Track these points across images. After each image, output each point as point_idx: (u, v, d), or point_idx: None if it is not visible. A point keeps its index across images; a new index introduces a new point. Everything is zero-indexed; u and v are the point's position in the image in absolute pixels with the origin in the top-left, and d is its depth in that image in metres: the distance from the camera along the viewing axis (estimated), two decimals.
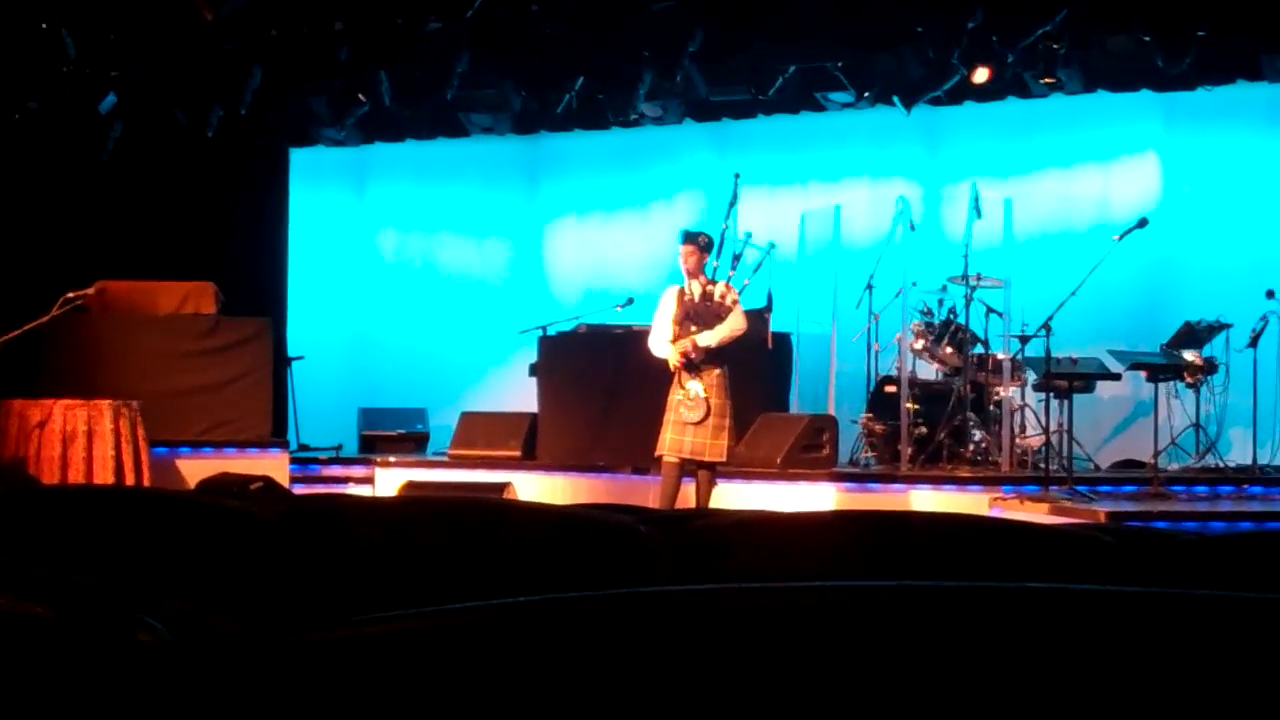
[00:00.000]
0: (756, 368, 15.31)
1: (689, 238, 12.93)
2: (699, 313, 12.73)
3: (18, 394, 14.43)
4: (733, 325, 12.68)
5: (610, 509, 5.87)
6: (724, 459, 12.82)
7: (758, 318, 14.07)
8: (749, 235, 13.52)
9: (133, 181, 18.15)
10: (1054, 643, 1.92)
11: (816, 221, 18.04)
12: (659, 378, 12.92)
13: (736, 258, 13.40)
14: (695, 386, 12.64)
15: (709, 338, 12.62)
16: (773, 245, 13.68)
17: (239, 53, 16.90)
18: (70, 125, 17.39)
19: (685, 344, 12.63)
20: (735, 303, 12.79)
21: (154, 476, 14.40)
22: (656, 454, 12.91)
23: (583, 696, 1.92)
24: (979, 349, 15.59)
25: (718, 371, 12.72)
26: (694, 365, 12.65)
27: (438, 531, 4.23)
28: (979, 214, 15.62)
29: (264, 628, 2.01)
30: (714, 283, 12.84)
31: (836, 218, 17.66)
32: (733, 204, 13.59)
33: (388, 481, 16.54)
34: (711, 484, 12.99)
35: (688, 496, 12.96)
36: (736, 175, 13.87)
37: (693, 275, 12.86)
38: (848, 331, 16.71)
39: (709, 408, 12.61)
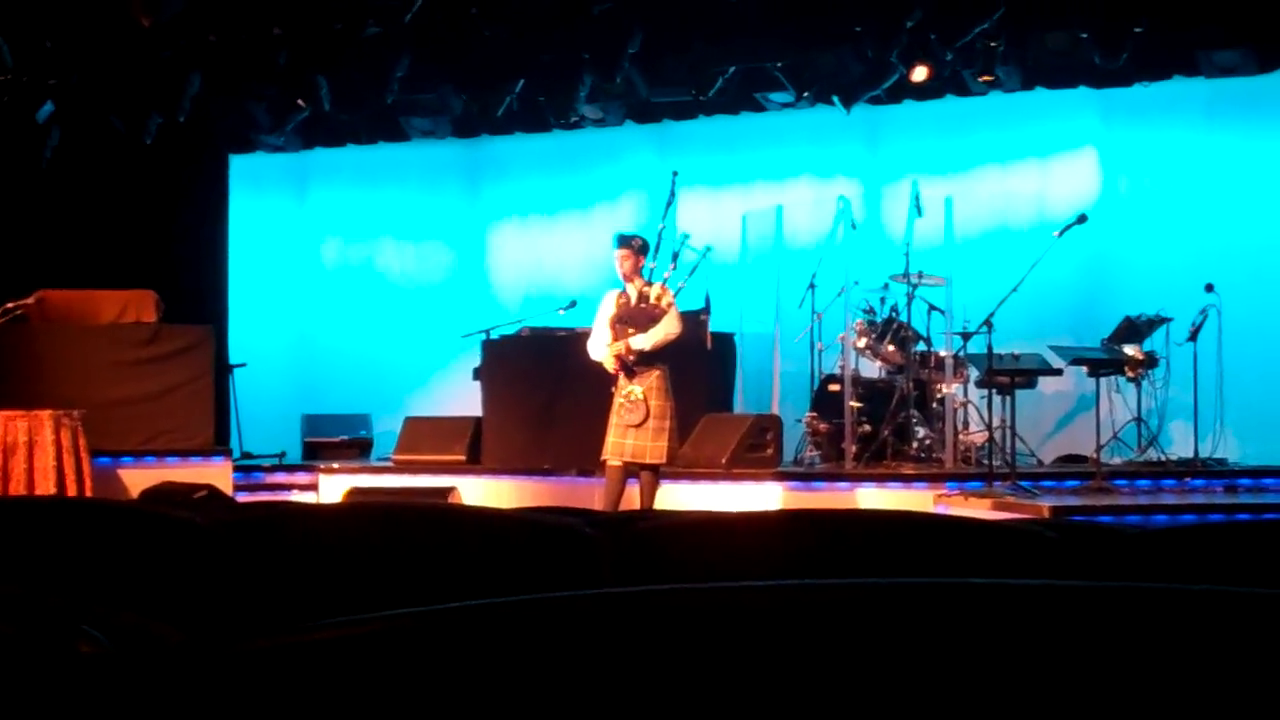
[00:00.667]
0: (699, 369, 15.34)
1: (623, 241, 12.95)
2: (632, 315, 12.74)
3: None
4: (667, 328, 12.67)
5: (556, 512, 5.87)
6: (664, 461, 12.82)
7: (695, 319, 14.04)
8: (686, 236, 13.49)
9: (71, 190, 18.06)
10: (999, 638, 1.93)
11: (758, 221, 18.06)
12: (603, 380, 12.93)
13: (675, 256, 13.39)
14: (634, 389, 12.66)
15: (643, 341, 12.63)
16: (709, 248, 13.66)
17: (177, 59, 16.83)
18: (7, 134, 17.29)
19: (619, 347, 12.65)
20: (670, 305, 12.78)
21: (96, 487, 14.31)
22: (602, 458, 12.93)
23: (529, 700, 1.91)
24: (921, 346, 15.66)
25: (657, 374, 12.71)
26: (630, 368, 12.67)
27: (383, 537, 4.22)
28: (920, 212, 15.68)
29: (209, 637, 2.00)
30: (651, 285, 12.85)
31: (778, 218, 17.69)
32: (670, 203, 13.58)
33: (332, 488, 16.49)
34: (655, 486, 13.00)
35: (632, 499, 12.96)
36: (675, 174, 13.87)
37: (629, 279, 12.87)
38: (791, 331, 16.75)
39: (648, 410, 12.63)
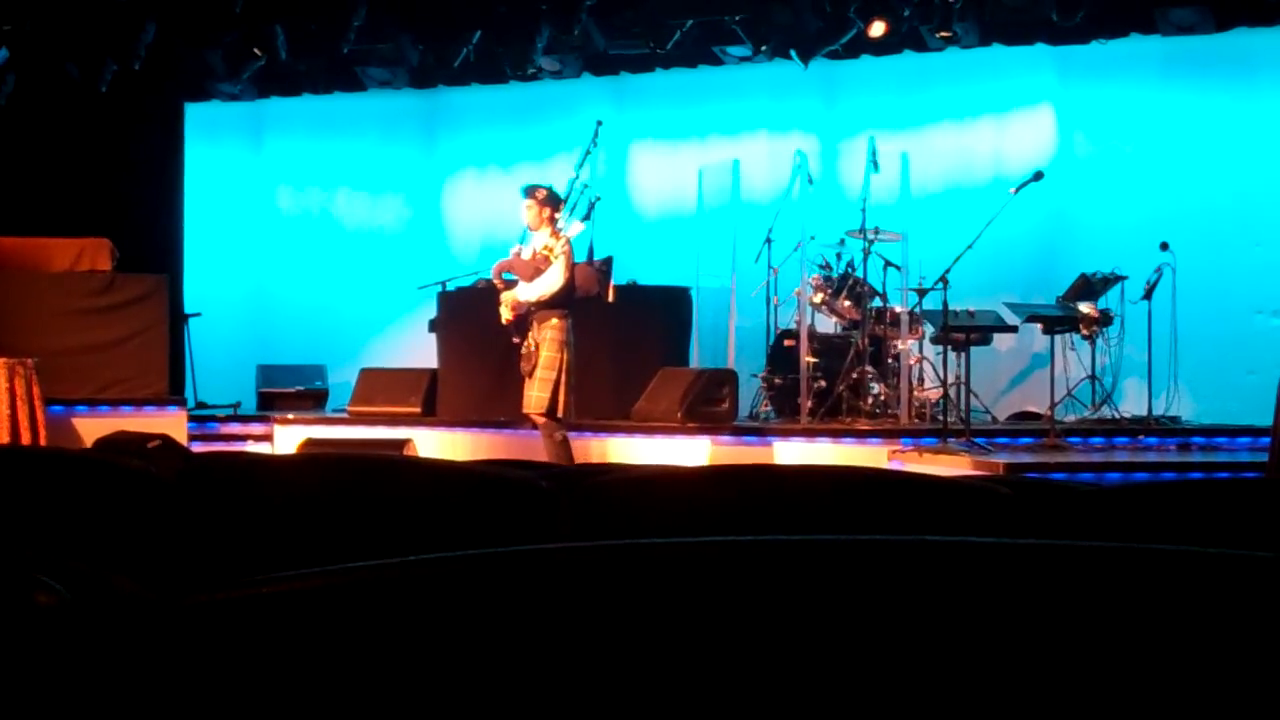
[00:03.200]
0: (654, 322, 15.43)
1: (528, 192, 12.96)
2: (515, 267, 12.80)
3: None
4: (548, 279, 12.67)
5: (511, 464, 5.87)
6: (543, 412, 12.74)
7: (589, 269, 13.75)
8: (584, 185, 13.39)
9: (26, 137, 17.96)
10: (953, 595, 1.94)
11: (715, 175, 18.03)
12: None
13: (576, 206, 13.37)
14: (530, 340, 12.70)
15: (525, 292, 12.66)
16: (598, 196, 13.52)
17: (133, 6, 16.74)
18: None
19: (508, 299, 12.70)
20: (561, 255, 12.75)
21: (50, 435, 14.28)
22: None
23: (485, 654, 1.92)
24: (877, 302, 15.68)
25: (550, 324, 12.69)
26: (525, 320, 12.68)
27: (338, 489, 4.21)
28: (876, 168, 15.69)
29: (164, 588, 2.00)
30: (558, 235, 12.86)
31: (735, 172, 17.66)
32: (588, 153, 13.46)
33: (287, 439, 16.46)
34: (551, 439, 12.98)
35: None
36: (599, 123, 13.74)
37: (535, 229, 12.88)
38: (747, 286, 16.73)
39: (536, 360, 12.65)
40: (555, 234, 12.81)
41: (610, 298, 13.16)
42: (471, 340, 16.29)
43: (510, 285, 12.88)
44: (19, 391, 14.02)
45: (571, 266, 12.82)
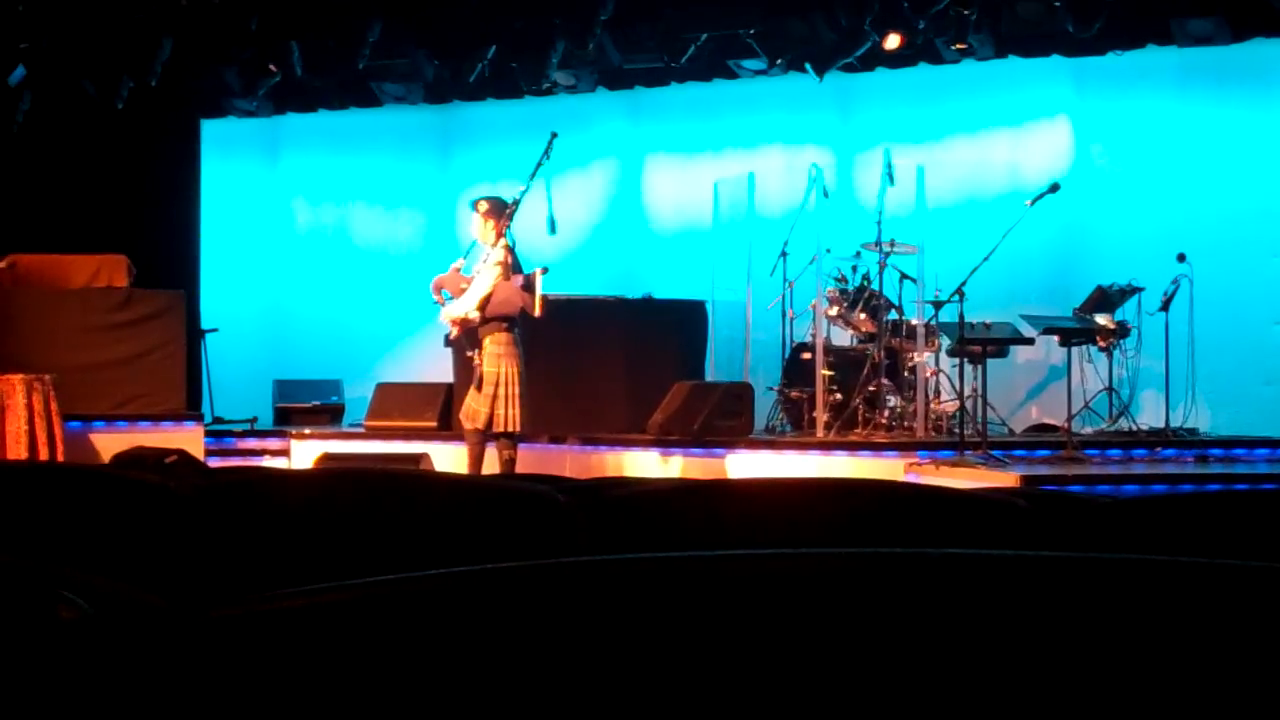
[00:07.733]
0: (671, 337, 15.44)
1: (473, 205, 12.97)
2: (447, 282, 12.82)
3: None
4: (472, 291, 12.72)
5: (527, 479, 5.87)
6: (477, 425, 12.84)
7: (510, 286, 13.55)
8: (518, 198, 13.27)
9: (43, 154, 17.99)
10: (971, 608, 1.94)
11: (730, 189, 18.02)
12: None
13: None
14: (476, 353, 12.72)
15: (454, 307, 12.69)
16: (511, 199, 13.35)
17: (148, 23, 16.75)
18: None
19: (445, 314, 12.75)
20: (496, 265, 12.74)
21: (68, 451, 14.30)
22: None
23: (503, 668, 1.92)
24: (893, 315, 15.66)
25: (492, 337, 12.70)
26: (472, 333, 12.70)
27: (356, 503, 4.22)
28: (892, 180, 15.67)
29: (184, 602, 2.00)
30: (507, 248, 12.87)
31: (750, 185, 17.65)
32: (540, 164, 13.34)
33: (303, 454, 16.47)
34: (507, 455, 13.08)
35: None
36: (553, 135, 13.60)
37: (482, 241, 12.86)
38: (763, 299, 16.73)
39: (478, 374, 12.67)
40: (496, 244, 12.81)
41: (538, 312, 12.98)
42: None
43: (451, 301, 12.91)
44: (37, 407, 14.05)
45: (504, 275, 12.76)
